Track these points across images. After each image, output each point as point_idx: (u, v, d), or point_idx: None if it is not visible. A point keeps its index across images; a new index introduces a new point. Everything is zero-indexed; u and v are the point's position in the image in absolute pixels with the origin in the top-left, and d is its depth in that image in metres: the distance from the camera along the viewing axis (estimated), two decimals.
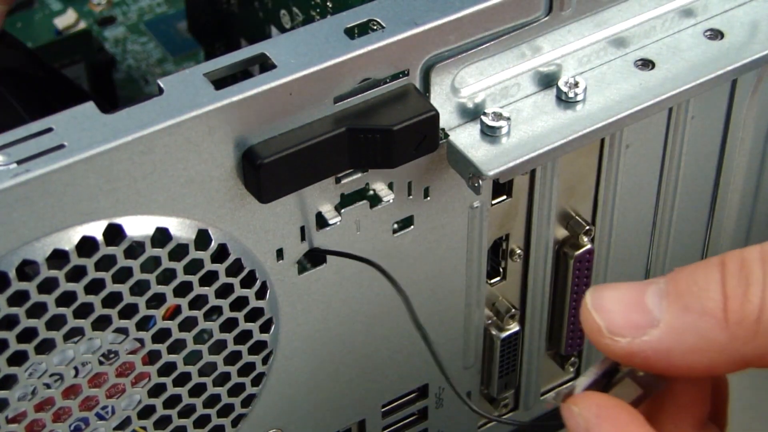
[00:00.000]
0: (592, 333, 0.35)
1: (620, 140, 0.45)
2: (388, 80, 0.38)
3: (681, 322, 0.34)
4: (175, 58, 0.68)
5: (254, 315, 0.40)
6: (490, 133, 0.40)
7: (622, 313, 0.35)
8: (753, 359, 0.34)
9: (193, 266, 0.37)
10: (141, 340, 0.38)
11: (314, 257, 0.41)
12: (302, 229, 0.39)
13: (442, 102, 0.39)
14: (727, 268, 0.34)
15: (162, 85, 0.36)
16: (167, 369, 0.39)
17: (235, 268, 0.38)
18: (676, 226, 0.50)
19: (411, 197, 0.41)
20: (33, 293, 0.35)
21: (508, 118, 0.40)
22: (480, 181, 0.39)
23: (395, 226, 0.42)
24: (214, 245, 0.37)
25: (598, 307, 0.36)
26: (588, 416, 0.35)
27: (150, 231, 0.36)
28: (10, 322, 0.35)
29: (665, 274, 0.36)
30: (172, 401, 0.40)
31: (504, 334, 0.47)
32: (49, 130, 0.34)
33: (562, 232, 0.47)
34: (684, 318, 0.34)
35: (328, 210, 0.39)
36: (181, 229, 0.37)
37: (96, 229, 0.35)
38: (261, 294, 0.39)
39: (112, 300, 0.36)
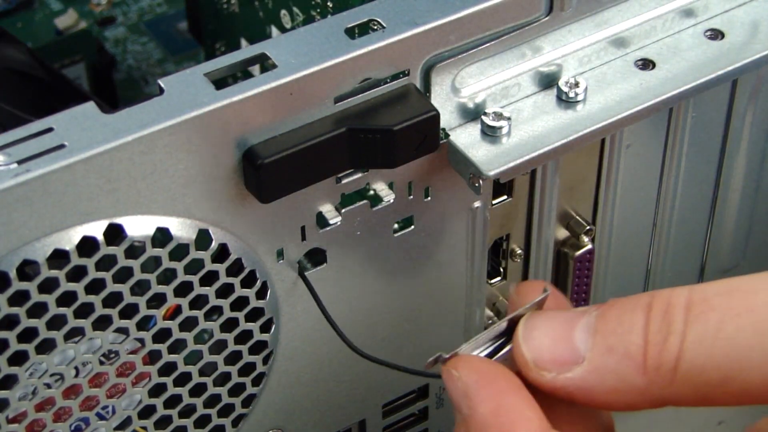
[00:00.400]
0: (520, 365, 0.36)
1: (621, 140, 0.45)
2: (388, 80, 0.38)
3: (603, 362, 0.35)
4: (175, 58, 0.68)
5: (255, 315, 0.40)
6: (490, 133, 0.40)
7: (548, 347, 0.36)
8: (671, 400, 0.35)
9: (194, 266, 0.37)
10: (141, 340, 0.38)
11: (315, 257, 0.41)
12: (303, 229, 0.39)
13: (443, 102, 0.39)
14: (652, 312, 0.35)
15: (162, 85, 0.36)
16: (168, 369, 0.39)
17: (235, 268, 0.38)
18: (677, 226, 0.50)
19: (411, 197, 0.41)
20: (33, 293, 0.35)
21: (509, 118, 0.40)
22: (480, 181, 0.39)
23: (395, 226, 0.42)
24: (214, 245, 0.37)
25: (527, 339, 0.36)
26: (467, 381, 0.35)
27: (150, 231, 0.36)
28: (10, 322, 0.35)
29: (600, 305, 0.36)
30: (172, 401, 0.40)
31: None
32: (50, 130, 0.34)
33: (562, 232, 0.47)
34: (606, 359, 0.35)
35: (328, 210, 0.39)
36: (181, 229, 0.37)
37: (96, 229, 0.35)
38: (261, 294, 0.39)
39: (112, 300, 0.36)
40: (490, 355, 0.37)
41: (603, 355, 0.35)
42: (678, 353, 0.34)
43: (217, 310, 0.39)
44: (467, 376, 0.35)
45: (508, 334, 0.37)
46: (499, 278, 0.47)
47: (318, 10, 0.49)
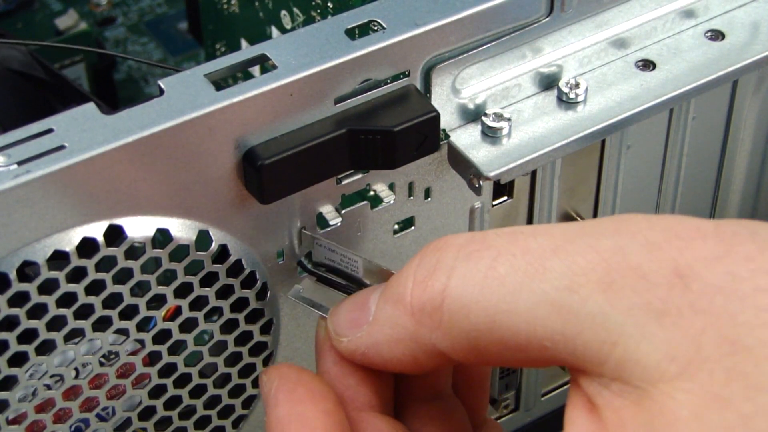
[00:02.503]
0: (329, 336, 0.36)
1: (621, 141, 0.45)
2: (388, 81, 0.38)
3: (382, 312, 0.34)
4: (175, 58, 0.68)
5: (255, 316, 0.40)
6: (491, 134, 0.40)
7: (346, 314, 0.36)
8: (446, 350, 0.33)
9: (194, 267, 0.37)
10: (141, 341, 0.38)
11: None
12: (301, 230, 0.39)
13: (443, 103, 0.39)
14: (425, 253, 0.34)
15: (162, 86, 0.36)
16: (168, 370, 0.39)
17: (235, 269, 0.38)
18: None
19: (412, 198, 0.41)
20: (33, 294, 0.35)
21: (509, 119, 0.40)
22: (481, 182, 0.39)
23: (396, 227, 0.42)
24: (214, 246, 0.37)
25: (332, 313, 0.36)
26: (270, 385, 0.35)
27: (150, 232, 0.36)
28: (10, 323, 0.35)
29: None
30: (172, 402, 0.40)
31: None
32: (50, 131, 0.34)
33: None
34: (384, 308, 0.34)
35: (328, 211, 0.39)
36: (181, 230, 0.37)
37: (96, 230, 0.35)
38: (261, 295, 0.39)
39: (112, 301, 0.36)
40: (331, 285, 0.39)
41: (382, 305, 0.34)
42: (443, 290, 0.32)
43: (217, 311, 0.39)
44: (270, 381, 0.35)
45: (354, 281, 0.38)
46: None
47: (318, 11, 0.49)
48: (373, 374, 0.36)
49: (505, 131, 0.40)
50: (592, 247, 0.31)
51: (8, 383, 0.36)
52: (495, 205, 0.44)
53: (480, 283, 0.32)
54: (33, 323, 0.35)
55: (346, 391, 0.36)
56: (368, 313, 0.35)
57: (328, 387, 0.35)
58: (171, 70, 0.37)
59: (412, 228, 0.42)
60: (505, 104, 0.41)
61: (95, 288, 0.36)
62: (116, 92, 0.66)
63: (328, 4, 0.48)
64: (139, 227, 0.36)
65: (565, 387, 0.52)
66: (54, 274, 0.35)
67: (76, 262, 0.35)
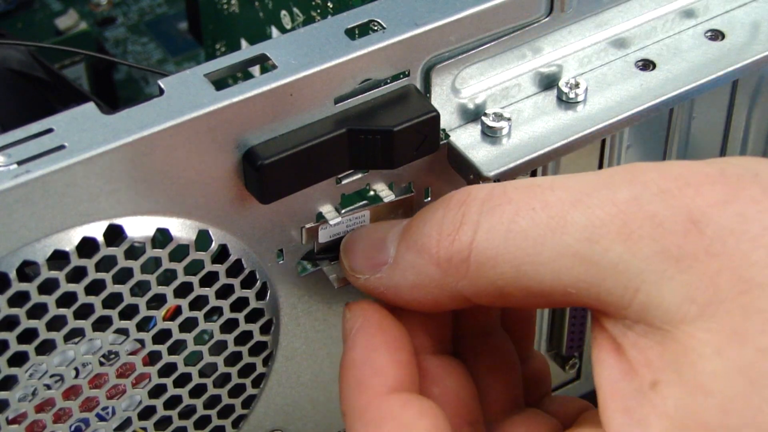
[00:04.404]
0: (343, 270, 0.38)
1: (621, 141, 0.45)
2: (388, 81, 0.38)
3: (404, 258, 0.36)
4: (175, 58, 0.68)
5: (255, 316, 0.40)
6: (490, 134, 0.40)
7: (362, 252, 0.37)
8: (471, 297, 0.35)
9: (194, 267, 0.37)
10: (141, 341, 0.38)
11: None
12: (302, 229, 0.39)
13: (443, 103, 0.39)
14: (449, 204, 0.35)
15: (162, 86, 0.36)
16: (168, 370, 0.39)
17: (235, 269, 0.38)
18: None
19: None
20: (33, 294, 0.35)
21: (509, 119, 0.40)
22: (481, 182, 0.39)
23: None
24: (214, 246, 0.37)
25: (346, 247, 0.38)
26: (351, 325, 0.37)
27: (150, 232, 0.36)
28: (10, 323, 0.35)
29: None
30: (172, 402, 0.40)
31: None
32: (50, 130, 0.34)
33: None
34: (406, 254, 0.36)
35: (328, 210, 0.39)
36: (181, 229, 0.37)
37: (96, 230, 0.35)
38: (261, 295, 0.39)
39: (112, 301, 0.36)
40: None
41: (404, 252, 0.36)
42: (470, 243, 0.34)
43: (217, 311, 0.39)
44: (354, 319, 0.37)
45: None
46: None
47: (318, 11, 0.49)
48: (428, 318, 0.38)
49: (504, 131, 0.40)
50: (609, 198, 0.33)
51: (8, 383, 0.36)
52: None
53: (504, 236, 0.34)
54: (33, 323, 0.35)
55: None
56: (386, 255, 0.37)
57: (407, 335, 0.37)
58: (160, 74, 0.37)
59: None
60: (504, 104, 0.41)
61: (95, 288, 0.36)
62: (116, 92, 0.66)
63: (328, 4, 0.48)
64: (139, 227, 0.36)
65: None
66: (54, 273, 0.35)
67: (76, 261, 0.35)
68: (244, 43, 0.56)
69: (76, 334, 0.36)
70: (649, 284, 0.32)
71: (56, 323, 0.36)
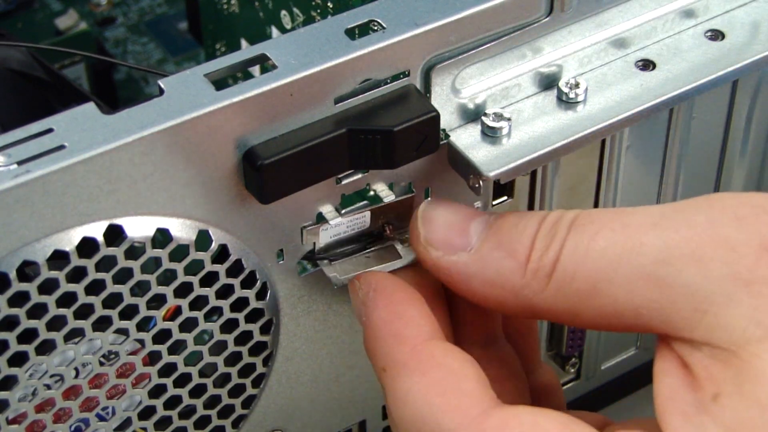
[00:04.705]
0: (413, 238, 0.38)
1: (621, 141, 0.45)
2: (388, 81, 0.38)
3: (489, 254, 0.37)
4: (175, 58, 0.68)
5: (255, 316, 0.40)
6: (490, 134, 0.40)
7: (443, 228, 0.38)
8: (541, 311, 0.36)
9: (194, 267, 0.37)
10: (141, 341, 0.38)
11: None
12: (303, 230, 0.39)
13: (443, 103, 0.39)
14: (544, 222, 0.36)
15: (162, 86, 0.35)
16: (168, 370, 0.39)
17: (235, 269, 0.38)
18: None
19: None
20: (33, 294, 0.35)
21: (509, 119, 0.40)
22: (481, 182, 0.39)
23: None
24: (214, 246, 0.37)
25: (425, 217, 0.38)
26: (366, 290, 0.38)
27: (150, 232, 0.36)
28: (10, 323, 0.35)
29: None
30: (172, 402, 0.40)
31: None
32: (50, 130, 0.34)
33: None
34: (493, 252, 0.37)
35: (328, 211, 0.39)
36: (181, 229, 0.37)
37: (96, 230, 0.35)
38: (261, 295, 0.39)
39: (112, 301, 0.36)
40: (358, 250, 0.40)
41: (491, 249, 0.37)
42: (555, 259, 0.35)
43: (217, 311, 0.39)
44: (366, 286, 0.38)
45: (374, 236, 0.40)
46: None
47: (318, 11, 0.49)
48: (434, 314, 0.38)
49: (504, 131, 0.40)
50: (685, 222, 0.34)
51: (8, 383, 0.36)
52: (495, 205, 0.44)
53: (584, 254, 0.35)
54: (33, 323, 0.35)
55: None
56: (467, 242, 0.37)
57: (421, 298, 0.38)
58: (160, 75, 0.37)
59: None
60: (504, 104, 0.41)
61: (95, 288, 0.36)
62: (116, 92, 0.66)
63: (328, 4, 0.48)
64: (139, 227, 0.36)
65: (622, 359, 0.53)
66: (54, 273, 0.35)
67: (76, 261, 0.35)
68: (244, 43, 0.56)
69: (76, 334, 0.36)
70: (718, 306, 0.33)
71: (56, 323, 0.36)
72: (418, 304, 0.37)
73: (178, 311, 0.38)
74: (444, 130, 0.40)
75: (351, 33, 0.37)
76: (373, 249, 0.40)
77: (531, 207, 0.45)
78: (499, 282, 0.36)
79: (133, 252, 0.36)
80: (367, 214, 0.39)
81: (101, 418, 0.39)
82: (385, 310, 0.37)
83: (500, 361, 0.40)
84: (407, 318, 0.37)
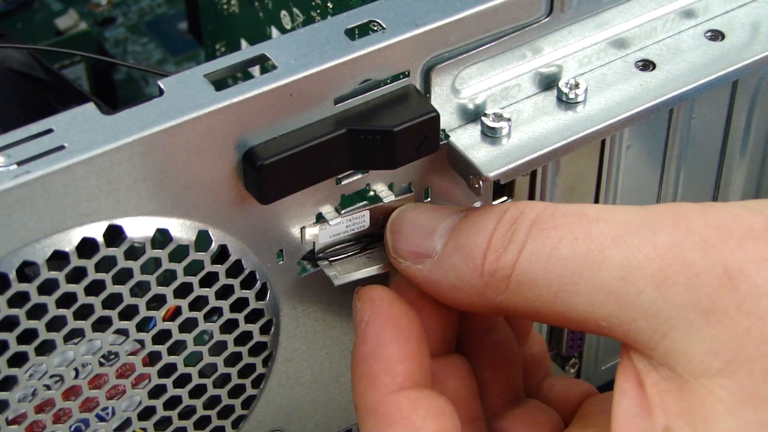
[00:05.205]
0: (386, 246, 0.39)
1: (621, 141, 0.45)
2: (388, 81, 0.38)
3: (449, 260, 0.37)
4: (175, 58, 0.68)
5: (254, 316, 0.40)
6: (490, 134, 0.40)
7: (409, 239, 0.38)
8: (507, 310, 0.36)
9: (194, 267, 0.37)
10: (141, 342, 0.38)
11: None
12: (303, 230, 0.39)
13: (443, 103, 0.39)
14: (501, 221, 0.36)
15: (162, 86, 0.35)
16: (167, 370, 0.39)
17: (235, 269, 0.38)
18: None
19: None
20: (33, 294, 0.35)
21: (509, 119, 0.40)
22: (480, 182, 0.39)
23: None
24: (214, 246, 0.37)
25: (393, 228, 0.39)
26: (362, 316, 0.38)
27: (150, 232, 0.36)
28: (10, 323, 0.35)
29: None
30: (172, 402, 0.40)
31: None
32: (50, 131, 0.34)
33: None
34: (452, 257, 0.37)
35: (328, 211, 0.39)
36: (181, 230, 0.37)
37: (96, 231, 0.35)
38: (261, 295, 0.39)
39: (112, 301, 0.36)
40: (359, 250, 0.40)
41: (450, 253, 0.37)
42: (513, 263, 0.35)
43: (216, 312, 0.39)
44: (363, 311, 0.38)
45: (374, 236, 0.40)
46: None
47: (318, 11, 0.49)
48: (434, 322, 0.39)
49: (504, 131, 0.40)
50: (649, 240, 0.34)
51: (8, 383, 0.36)
52: (495, 205, 0.44)
53: (545, 261, 0.35)
54: (33, 323, 0.35)
55: None
56: (432, 248, 0.37)
57: (417, 324, 0.37)
58: (160, 75, 0.37)
59: None
60: (504, 104, 0.41)
61: (95, 288, 0.36)
62: (116, 92, 0.67)
63: (328, 4, 0.48)
64: (138, 227, 0.36)
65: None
66: (54, 274, 0.35)
67: (75, 262, 0.35)
68: (244, 43, 0.56)
69: (76, 334, 0.36)
70: (677, 332, 0.33)
71: (56, 324, 0.36)
72: (404, 342, 0.37)
73: (177, 312, 0.38)
74: (444, 130, 0.40)
75: (351, 33, 0.37)
76: (373, 249, 0.40)
77: None
78: (460, 285, 0.36)
79: (133, 252, 0.36)
80: (367, 213, 0.39)
81: (101, 419, 0.39)
82: (370, 347, 0.37)
83: (498, 346, 0.40)
84: (386, 362, 0.36)
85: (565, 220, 0.35)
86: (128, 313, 0.37)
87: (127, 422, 0.39)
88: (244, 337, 0.40)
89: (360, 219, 0.39)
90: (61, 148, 0.34)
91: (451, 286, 0.37)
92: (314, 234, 0.39)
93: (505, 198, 0.44)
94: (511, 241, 0.35)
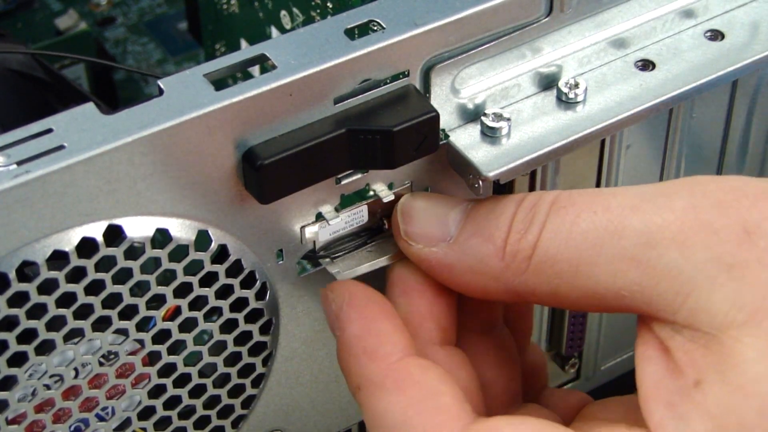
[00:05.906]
0: (395, 232, 0.39)
1: (621, 141, 0.45)
2: (388, 81, 0.38)
3: (467, 242, 0.37)
4: (175, 58, 0.68)
5: (254, 316, 0.40)
6: (490, 134, 0.40)
7: (422, 221, 0.38)
8: (524, 294, 0.36)
9: (193, 267, 0.37)
10: (141, 341, 0.38)
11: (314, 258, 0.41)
12: (302, 229, 0.39)
13: (443, 103, 0.39)
14: (521, 205, 0.37)
15: (162, 86, 0.36)
16: (167, 370, 0.39)
17: (235, 269, 0.38)
18: None
19: None
20: (33, 294, 0.35)
21: (509, 119, 0.40)
22: (480, 182, 0.39)
23: None
24: (214, 246, 0.37)
25: (404, 211, 0.39)
26: (339, 303, 0.38)
27: (150, 232, 0.36)
28: (10, 323, 0.35)
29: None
30: (172, 402, 0.40)
31: None
32: (49, 130, 0.34)
33: None
34: (470, 239, 0.37)
35: (328, 211, 0.39)
36: (181, 230, 0.37)
37: (96, 230, 0.35)
38: (261, 295, 0.39)
39: (112, 301, 0.36)
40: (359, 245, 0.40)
41: (468, 236, 0.37)
42: (534, 243, 0.36)
43: (216, 311, 0.39)
44: (339, 298, 0.38)
45: (374, 230, 0.40)
46: None
47: (318, 11, 0.49)
48: (435, 307, 0.39)
49: (504, 131, 0.40)
50: (667, 206, 0.35)
51: (8, 383, 0.36)
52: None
53: (565, 237, 0.35)
54: (32, 323, 0.35)
55: (410, 325, 0.38)
56: (447, 232, 0.37)
57: (392, 306, 0.38)
58: (156, 78, 0.37)
59: None
60: (504, 104, 0.41)
61: (95, 288, 0.36)
62: (116, 92, 0.67)
63: (328, 4, 0.48)
64: (138, 227, 0.36)
65: (622, 359, 0.53)
66: (53, 274, 0.35)
67: (75, 262, 0.35)
68: (243, 43, 0.56)
69: (76, 334, 0.36)
70: (700, 290, 0.34)
71: (56, 323, 0.36)
72: (392, 317, 0.37)
73: (177, 311, 0.38)
74: (443, 130, 0.40)
75: (350, 33, 0.37)
76: (374, 242, 0.40)
77: None
78: (479, 268, 0.37)
79: (133, 252, 0.36)
80: (365, 208, 0.40)
81: (101, 419, 0.39)
82: (358, 325, 0.37)
83: (498, 347, 0.40)
84: (381, 334, 0.37)
85: (582, 196, 0.36)
86: (128, 312, 0.37)
87: (127, 422, 0.39)
88: (243, 337, 0.40)
89: (358, 214, 0.40)
90: (61, 147, 0.34)
91: (467, 269, 0.37)
92: (314, 233, 0.39)
93: None
94: (532, 222, 0.36)
